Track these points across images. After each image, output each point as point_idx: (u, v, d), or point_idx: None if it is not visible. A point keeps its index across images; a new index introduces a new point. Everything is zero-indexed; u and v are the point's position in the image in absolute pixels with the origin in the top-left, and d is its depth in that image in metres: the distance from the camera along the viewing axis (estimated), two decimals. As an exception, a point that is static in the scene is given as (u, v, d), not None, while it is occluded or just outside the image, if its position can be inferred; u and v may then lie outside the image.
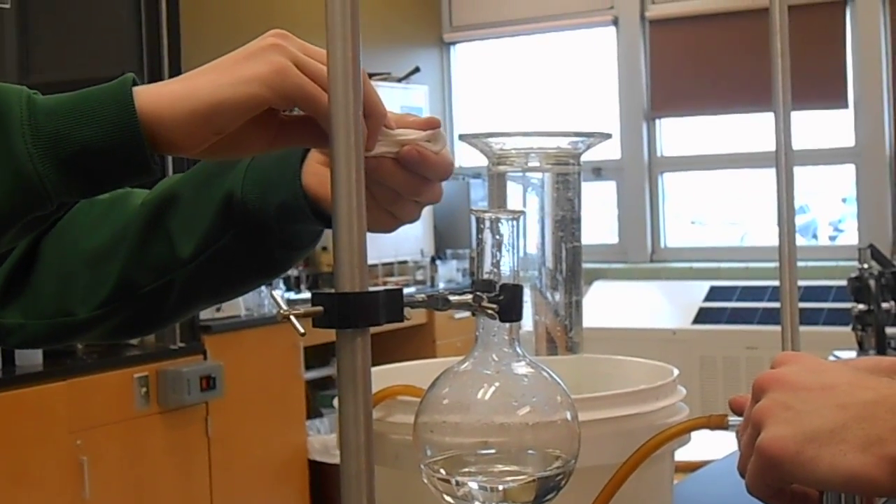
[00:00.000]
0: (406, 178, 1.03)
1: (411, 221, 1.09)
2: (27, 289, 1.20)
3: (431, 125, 1.04)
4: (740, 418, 0.94)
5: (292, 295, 5.40)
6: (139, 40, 4.37)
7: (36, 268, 1.20)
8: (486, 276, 0.96)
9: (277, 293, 5.15)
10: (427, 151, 1.02)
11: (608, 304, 6.09)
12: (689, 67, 6.41)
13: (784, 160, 1.35)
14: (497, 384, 0.97)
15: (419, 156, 1.02)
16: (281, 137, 1.01)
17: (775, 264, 1.34)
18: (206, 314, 4.58)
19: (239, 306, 4.81)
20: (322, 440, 5.01)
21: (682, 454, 1.25)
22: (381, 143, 1.00)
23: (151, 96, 0.94)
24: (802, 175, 6.12)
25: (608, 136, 1.23)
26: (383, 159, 1.01)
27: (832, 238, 6.45)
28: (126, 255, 1.16)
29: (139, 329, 1.24)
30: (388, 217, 1.07)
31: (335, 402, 0.81)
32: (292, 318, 0.83)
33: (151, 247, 1.16)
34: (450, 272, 6.36)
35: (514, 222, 0.97)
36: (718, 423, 1.09)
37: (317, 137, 0.99)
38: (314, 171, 1.10)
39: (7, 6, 3.92)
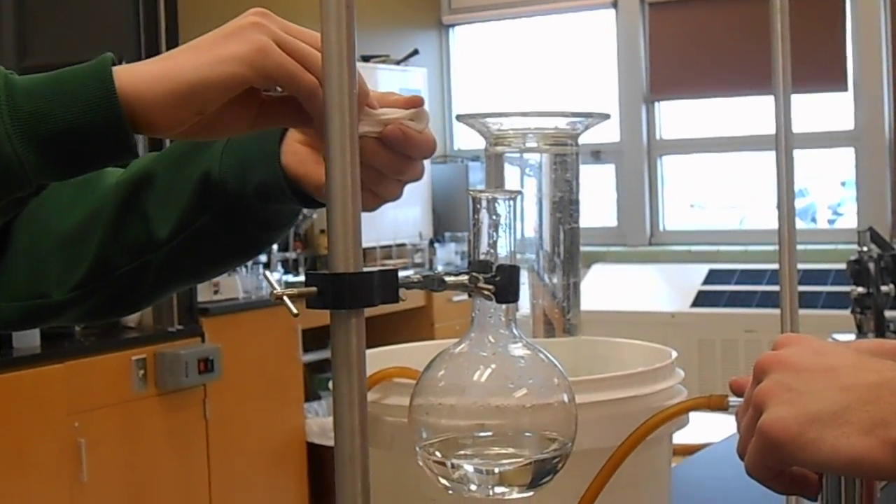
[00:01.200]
0: (389, 157, 1.02)
1: (393, 200, 1.08)
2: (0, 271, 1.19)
3: (414, 104, 1.02)
4: (740, 399, 0.93)
5: (290, 277, 5.40)
6: (136, 22, 4.36)
7: (6, 251, 1.19)
8: (482, 257, 0.95)
9: (274, 276, 5.15)
10: (411, 131, 1.01)
11: (607, 288, 6.09)
12: (688, 50, 6.39)
13: (784, 143, 1.34)
14: (493, 366, 0.96)
15: (403, 135, 1.01)
16: (262, 118, 1.00)
17: (774, 247, 1.34)
18: (203, 296, 4.58)
19: (237, 289, 4.81)
20: (320, 423, 5.01)
21: (681, 437, 1.24)
22: (364, 123, 0.99)
23: (131, 76, 0.92)
24: (802, 158, 6.11)
25: (606, 116, 1.22)
26: (366, 139, 1.00)
27: (831, 221, 6.45)
28: (101, 236, 1.15)
29: (116, 310, 1.23)
30: (370, 196, 1.06)
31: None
32: (285, 298, 0.82)
33: (127, 228, 1.14)
34: (448, 255, 6.36)
35: (511, 202, 0.96)
36: (718, 404, 1.08)
37: (298, 117, 0.98)
38: (293, 150, 1.09)
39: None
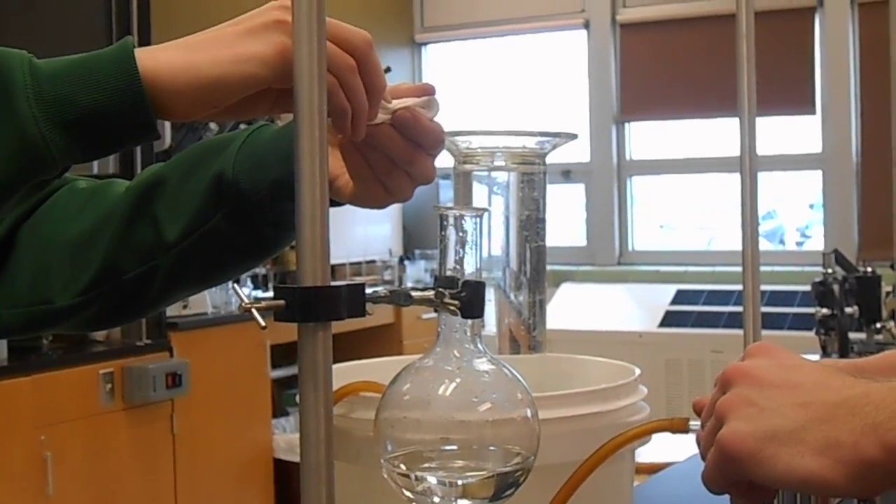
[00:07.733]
0: (400, 143, 1.04)
1: (403, 200, 1.09)
2: (1, 278, 1.18)
3: (426, 91, 1.06)
4: (702, 421, 0.95)
5: (259, 293, 5.39)
6: (108, 22, 4.34)
7: (11, 257, 1.18)
8: (448, 273, 0.97)
9: (244, 291, 5.13)
10: (420, 115, 1.04)
11: (575, 307, 6.10)
12: (659, 71, 6.43)
13: (748, 164, 1.36)
14: (458, 380, 0.98)
15: (413, 118, 1.03)
16: (280, 102, 1.02)
17: (741, 268, 1.35)
18: (172, 311, 4.56)
19: (206, 304, 4.79)
20: (287, 439, 5.00)
21: (644, 456, 1.26)
22: (379, 113, 1.02)
23: (153, 62, 0.95)
24: (770, 181, 6.16)
25: (574, 136, 1.24)
26: (380, 126, 1.02)
27: (799, 244, 6.49)
28: (109, 240, 1.14)
29: (121, 316, 1.22)
30: (381, 190, 1.07)
31: (299, 399, 0.82)
32: (254, 310, 0.83)
33: (136, 231, 1.14)
34: (418, 272, 6.36)
35: (478, 219, 0.97)
36: (680, 427, 1.09)
37: None
38: None
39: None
